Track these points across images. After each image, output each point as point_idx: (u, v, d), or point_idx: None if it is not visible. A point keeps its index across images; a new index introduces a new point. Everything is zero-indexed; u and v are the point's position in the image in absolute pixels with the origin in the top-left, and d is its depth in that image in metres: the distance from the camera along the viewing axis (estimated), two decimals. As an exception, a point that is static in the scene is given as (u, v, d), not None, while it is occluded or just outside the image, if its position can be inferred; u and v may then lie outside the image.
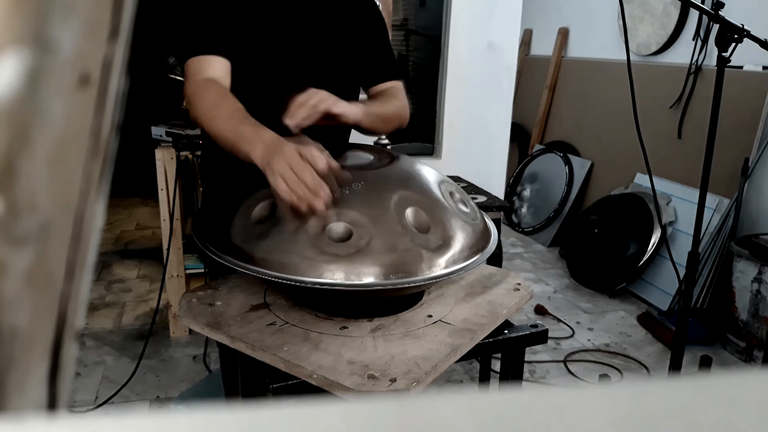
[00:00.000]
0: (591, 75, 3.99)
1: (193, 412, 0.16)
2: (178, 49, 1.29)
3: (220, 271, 1.22)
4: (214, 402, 0.71)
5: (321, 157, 0.93)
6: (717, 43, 1.53)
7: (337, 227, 0.96)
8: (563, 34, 4.31)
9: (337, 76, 1.40)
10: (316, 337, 0.97)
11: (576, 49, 4.24)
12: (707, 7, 1.53)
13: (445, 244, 0.99)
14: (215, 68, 1.22)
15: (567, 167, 3.95)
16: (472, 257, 1.03)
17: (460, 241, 1.01)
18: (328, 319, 1.03)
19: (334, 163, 0.96)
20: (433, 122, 3.08)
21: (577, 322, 2.85)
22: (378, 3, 2.62)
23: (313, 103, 1.09)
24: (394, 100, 1.41)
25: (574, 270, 3.40)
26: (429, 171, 1.12)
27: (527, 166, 4.29)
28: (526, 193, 4.23)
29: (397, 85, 1.46)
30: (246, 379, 1.02)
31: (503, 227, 4.04)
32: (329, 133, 1.18)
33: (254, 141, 1.01)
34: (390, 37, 1.68)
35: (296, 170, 0.92)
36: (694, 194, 2.64)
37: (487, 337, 1.05)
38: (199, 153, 2.42)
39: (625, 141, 3.53)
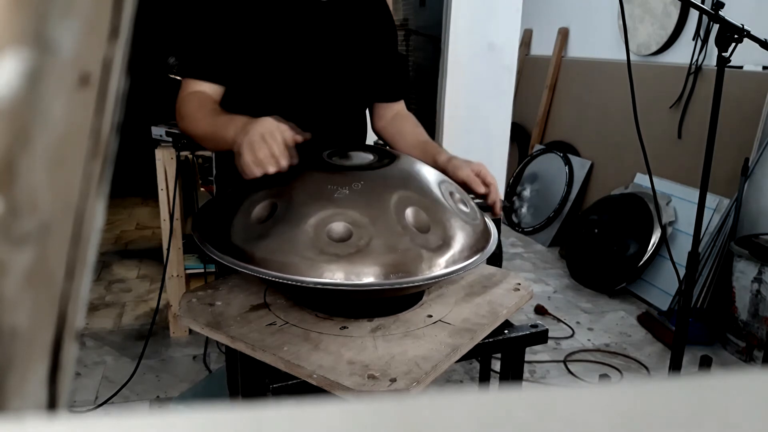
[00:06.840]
0: (591, 75, 3.98)
1: (193, 412, 0.16)
2: (179, 64, 1.37)
3: (227, 271, 1.22)
4: (214, 402, 0.71)
5: (288, 131, 1.04)
6: (717, 43, 1.53)
7: (337, 227, 0.96)
8: (563, 34, 4.31)
9: (348, 92, 1.40)
10: (316, 337, 0.97)
11: (576, 49, 4.24)
12: (707, 7, 1.53)
13: (445, 244, 0.99)
14: (204, 87, 1.31)
15: (567, 167, 3.95)
16: (472, 257, 1.03)
17: (460, 241, 1.01)
18: (328, 319, 1.03)
19: (300, 138, 1.05)
20: (433, 122, 3.08)
21: (577, 322, 2.85)
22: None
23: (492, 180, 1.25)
24: (418, 122, 1.49)
25: (574, 270, 3.40)
26: (429, 171, 1.12)
27: (527, 166, 4.29)
28: (526, 193, 4.23)
29: (402, 108, 1.52)
30: (246, 379, 1.02)
31: (503, 227, 4.04)
32: (348, 136, 1.22)
33: (228, 125, 1.12)
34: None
35: (266, 137, 1.01)
36: (694, 194, 2.65)
37: (487, 337, 1.04)
38: (198, 153, 2.42)
39: (625, 141, 3.53)
